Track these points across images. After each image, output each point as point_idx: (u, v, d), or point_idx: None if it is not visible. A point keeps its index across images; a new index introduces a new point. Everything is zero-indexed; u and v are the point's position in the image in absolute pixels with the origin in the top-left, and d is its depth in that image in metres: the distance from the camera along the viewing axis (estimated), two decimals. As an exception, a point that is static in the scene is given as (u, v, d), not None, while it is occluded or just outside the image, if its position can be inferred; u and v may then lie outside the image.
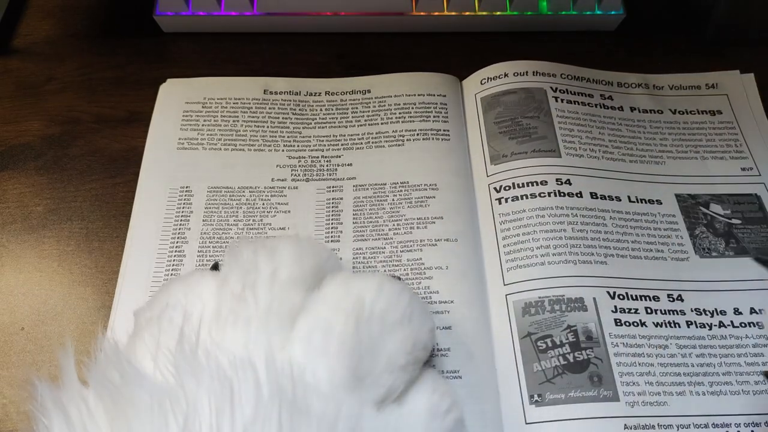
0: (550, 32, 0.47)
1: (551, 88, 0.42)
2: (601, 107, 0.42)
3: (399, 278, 0.33)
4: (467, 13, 0.46)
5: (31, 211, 0.39)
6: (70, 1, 0.49)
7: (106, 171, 0.40)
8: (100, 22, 0.48)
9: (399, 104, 0.42)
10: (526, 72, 0.43)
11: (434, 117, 0.42)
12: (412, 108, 0.42)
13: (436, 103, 0.42)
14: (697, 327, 0.34)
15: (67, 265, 0.37)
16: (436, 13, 0.45)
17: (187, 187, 0.39)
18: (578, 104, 0.42)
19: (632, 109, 0.43)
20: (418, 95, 0.43)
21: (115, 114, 0.43)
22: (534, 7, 0.45)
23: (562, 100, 0.42)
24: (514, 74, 0.43)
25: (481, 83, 0.43)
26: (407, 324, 0.27)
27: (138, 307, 0.28)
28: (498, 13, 0.45)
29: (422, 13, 0.46)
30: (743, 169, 0.40)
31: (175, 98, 0.43)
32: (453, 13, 0.45)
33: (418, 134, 0.41)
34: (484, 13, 0.45)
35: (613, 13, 0.45)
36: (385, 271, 0.36)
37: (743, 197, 0.39)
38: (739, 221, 0.38)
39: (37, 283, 0.36)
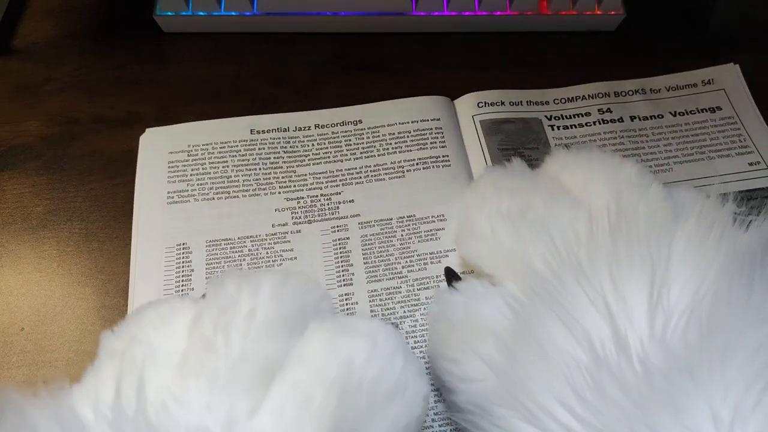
0: (550, 32, 0.47)
1: (545, 116, 0.42)
2: (600, 123, 0.42)
3: (397, 325, 0.32)
4: (467, 13, 0.46)
5: (30, 212, 0.39)
6: (70, 1, 0.49)
7: (106, 171, 0.40)
8: (100, 22, 0.48)
9: (393, 133, 0.41)
10: (521, 102, 0.42)
11: (431, 143, 0.40)
12: (407, 136, 0.41)
13: (431, 128, 0.41)
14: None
15: (67, 266, 0.37)
16: (436, 13, 0.45)
17: (184, 244, 0.37)
18: (575, 127, 0.42)
19: (632, 118, 0.42)
20: (412, 122, 0.41)
21: (115, 114, 0.43)
22: (534, 7, 0.45)
23: (558, 128, 0.42)
24: (510, 103, 0.42)
25: (478, 106, 0.42)
26: (401, 396, 0.23)
27: (107, 331, 0.25)
28: (498, 13, 0.45)
29: (422, 13, 0.45)
30: (750, 164, 0.40)
31: (158, 149, 0.40)
32: (453, 13, 0.45)
33: (417, 163, 0.40)
34: (484, 13, 0.45)
35: (613, 13, 0.45)
36: (404, 312, 0.34)
37: (755, 192, 0.38)
38: (755, 217, 0.37)
39: (37, 283, 0.36)
